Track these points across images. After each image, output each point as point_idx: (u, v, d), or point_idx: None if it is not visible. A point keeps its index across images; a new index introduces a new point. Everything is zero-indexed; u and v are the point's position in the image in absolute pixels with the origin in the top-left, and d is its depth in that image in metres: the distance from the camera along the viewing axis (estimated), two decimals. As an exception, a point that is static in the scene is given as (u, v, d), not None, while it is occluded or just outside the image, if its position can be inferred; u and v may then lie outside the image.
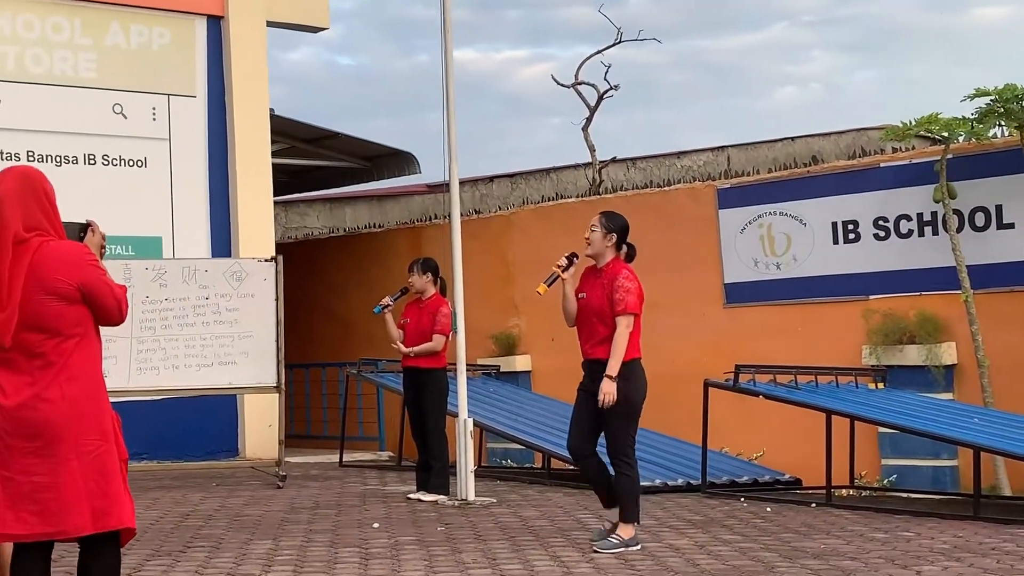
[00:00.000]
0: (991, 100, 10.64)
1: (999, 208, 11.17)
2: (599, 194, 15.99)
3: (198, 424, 13.11)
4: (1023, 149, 10.71)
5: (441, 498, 9.55)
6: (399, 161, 17.67)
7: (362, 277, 16.66)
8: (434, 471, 9.73)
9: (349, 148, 17.57)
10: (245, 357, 10.83)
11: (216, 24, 13.91)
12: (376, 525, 8.44)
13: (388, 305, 10.01)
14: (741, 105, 48.98)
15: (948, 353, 11.40)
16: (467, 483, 9.52)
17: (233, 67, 13.87)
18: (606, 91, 17.37)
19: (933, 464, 11.20)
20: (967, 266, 10.91)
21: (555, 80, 17.89)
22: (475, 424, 9.97)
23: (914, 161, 11.78)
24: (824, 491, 9.52)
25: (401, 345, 9.89)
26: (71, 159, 13.14)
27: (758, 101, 50.05)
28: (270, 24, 14.32)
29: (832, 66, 52.34)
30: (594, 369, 7.37)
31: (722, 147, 20.34)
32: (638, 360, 7.45)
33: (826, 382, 10.48)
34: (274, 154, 14.79)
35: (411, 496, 9.81)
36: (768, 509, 9.05)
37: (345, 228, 20.47)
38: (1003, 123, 10.90)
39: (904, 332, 11.54)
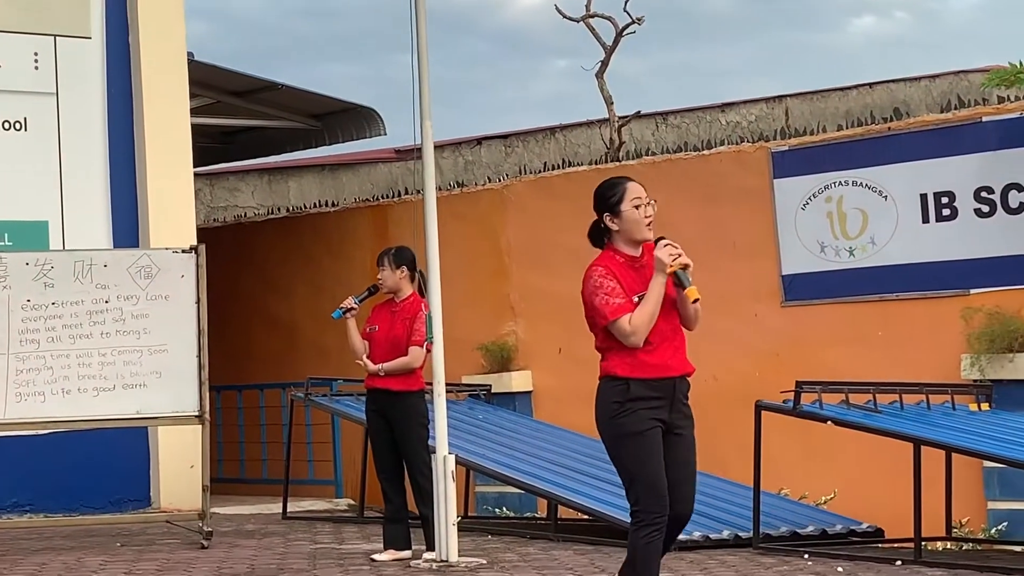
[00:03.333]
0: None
1: None
2: (619, 160, 15.98)
3: (98, 466, 13.09)
4: None
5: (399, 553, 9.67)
6: (358, 119, 17.66)
7: (311, 271, 16.67)
8: (430, 521, 9.73)
9: (293, 103, 17.56)
10: (157, 378, 10.82)
11: (117, -57, 13.91)
12: (329, 596, 8.45)
13: (351, 308, 9.95)
14: (804, 41, 49.07)
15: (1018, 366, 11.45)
16: (448, 539, 9.52)
17: (139, -1, 13.87)
18: (627, 25, 17.36)
19: (1056, 508, 11.25)
20: (1096, 250, 10.95)
21: (559, 12, 17.89)
22: (458, 462, 9.96)
23: (1023, 114, 11.82)
24: (912, 544, 9.54)
25: (368, 361, 9.86)
26: (-71, 121, 13.16)
27: (826, 36, 50.14)
28: (186, -58, 14.33)
29: (921, -10, 52.42)
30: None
31: (779, 97, 20.38)
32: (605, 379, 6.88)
33: (914, 402, 10.52)
34: (195, 111, 14.79)
35: (376, 558, 9.82)
36: (840, 569, 9.07)
37: (289, 207, 20.46)
38: None
39: (1016, 336, 11.55)
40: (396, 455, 9.97)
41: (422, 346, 9.77)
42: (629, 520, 6.75)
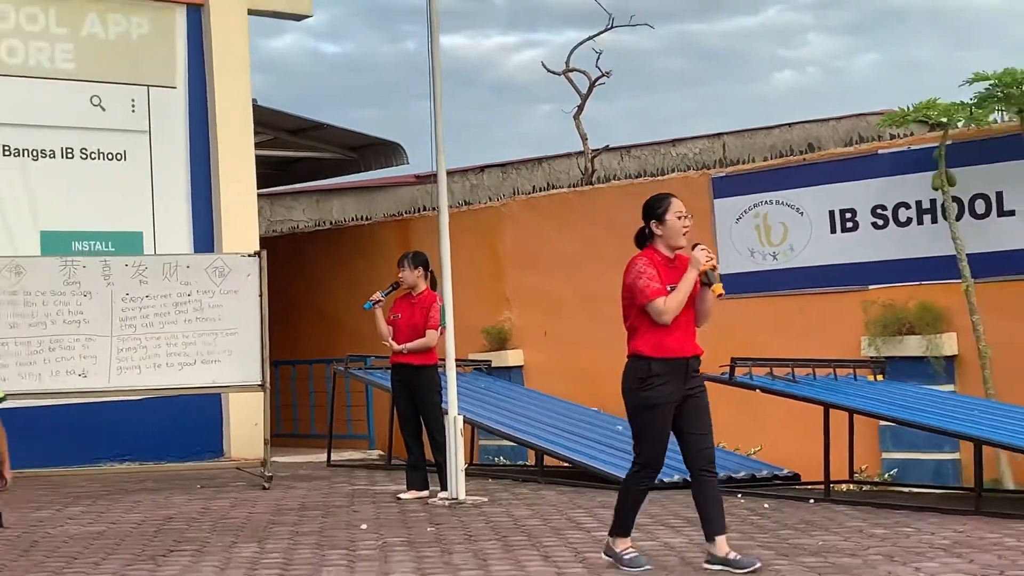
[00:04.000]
0: (990, 85, 10.65)
1: (999, 195, 11.19)
2: (592, 184, 15.98)
3: (181, 424, 13.11)
4: (1023, 135, 10.73)
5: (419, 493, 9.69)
6: (386, 151, 17.67)
7: (349, 271, 16.65)
8: (443, 467, 9.74)
9: (335, 139, 17.57)
10: (229, 355, 10.84)
11: (196, 13, 13.89)
12: (364, 526, 8.44)
13: (378, 301, 10.03)
14: (737, 91, 49.04)
15: (949, 344, 11.41)
16: (458, 482, 9.54)
17: (214, 57, 13.85)
18: (598, 78, 17.38)
19: (934, 458, 11.21)
20: (967, 254, 10.93)
21: (545, 67, 17.90)
22: (465, 421, 9.98)
23: (912, 148, 11.79)
24: (823, 486, 9.54)
25: (393, 342, 9.90)
26: (48, 153, 13.13)
27: (754, 87, 50.10)
28: (251, 12, 14.31)
29: (830, 50, 52.40)
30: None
31: (718, 134, 20.38)
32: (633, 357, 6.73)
33: (824, 375, 10.50)
34: (257, 145, 14.77)
35: (401, 496, 9.82)
36: (766, 505, 9.07)
37: (332, 221, 20.45)
38: (1003, 108, 10.92)
39: (904, 323, 11.56)
40: (416, 415, 9.98)
41: (437, 330, 9.79)
42: (628, 469, 6.88)
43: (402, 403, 10.06)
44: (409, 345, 9.84)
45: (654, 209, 6.67)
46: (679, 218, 6.61)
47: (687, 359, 6.61)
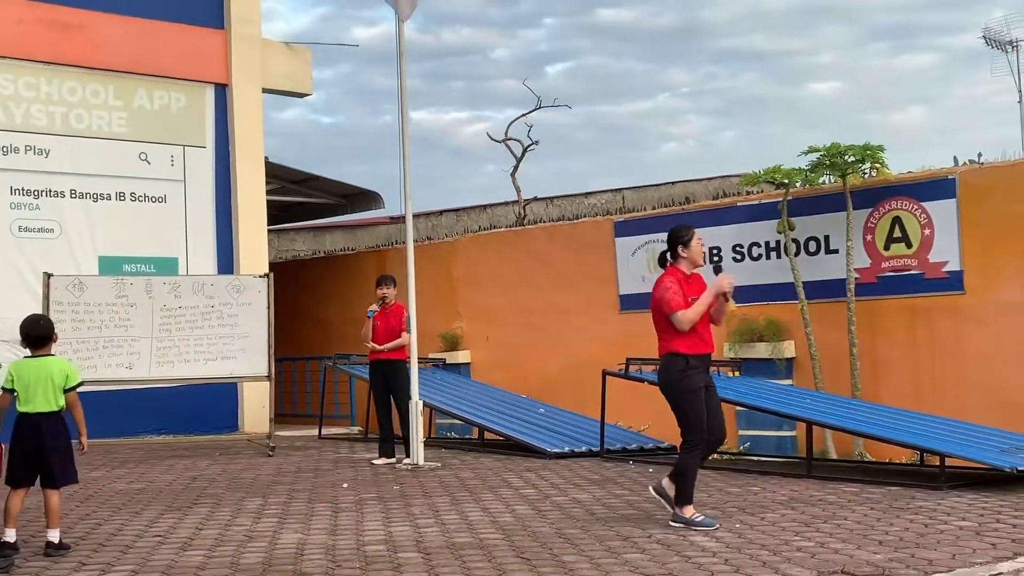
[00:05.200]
0: (821, 155, 10.81)
1: (827, 238, 11.34)
2: (523, 225, 16.03)
3: (205, 405, 12.96)
4: (845, 192, 10.90)
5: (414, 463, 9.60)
6: (367, 198, 17.61)
7: (338, 289, 16.60)
8: (408, 439, 9.69)
9: (328, 188, 17.50)
10: (243, 352, 10.77)
11: (222, 90, 13.80)
12: (345, 485, 8.40)
13: (377, 311, 9.95)
14: (634, 157, 49.45)
15: (788, 349, 11.54)
16: (418, 451, 9.51)
17: (236, 124, 13.76)
18: (529, 145, 17.50)
19: (777, 435, 11.31)
20: (803, 282, 11.08)
21: (489, 136, 18.01)
22: (425, 404, 9.96)
23: (763, 201, 11.93)
24: (694, 456, 9.58)
25: (373, 344, 9.81)
26: (105, 196, 12.98)
27: (647, 154, 50.52)
28: (265, 91, 14.24)
29: (703, 127, 52.96)
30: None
31: (619, 189, 20.50)
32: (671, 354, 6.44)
33: (696, 371, 10.55)
34: (268, 192, 14.69)
35: (374, 462, 9.78)
36: (651, 470, 9.12)
37: (325, 251, 20.34)
38: (830, 173, 11.08)
39: (756, 332, 11.69)
40: (389, 400, 9.94)
41: (409, 332, 9.77)
42: (680, 445, 6.56)
43: (380, 391, 9.98)
44: (388, 344, 9.80)
45: (681, 236, 6.51)
46: (700, 244, 6.55)
47: (709, 354, 6.52)
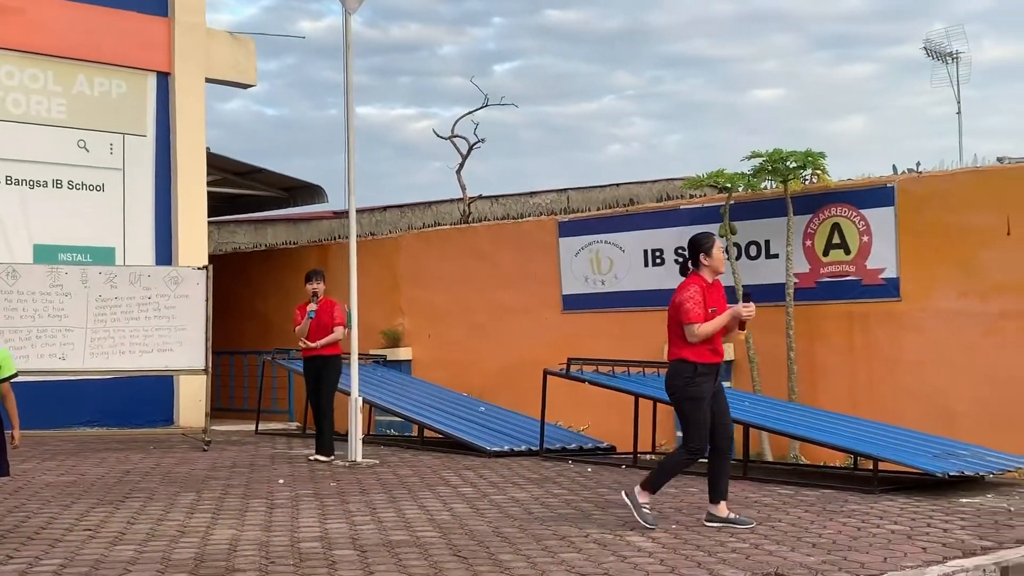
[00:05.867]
0: (763, 160, 10.92)
1: (767, 242, 11.47)
2: (468, 223, 16.00)
3: (140, 398, 12.76)
4: (786, 198, 11.02)
5: (329, 458, 9.49)
6: (311, 192, 17.46)
7: (279, 284, 16.43)
8: (325, 432, 9.57)
9: (271, 181, 17.31)
10: (180, 345, 10.59)
11: (164, 79, 13.58)
12: (281, 481, 8.30)
13: (315, 309, 9.73)
14: (579, 158, 49.61)
15: (728, 352, 11.61)
16: (356, 448, 9.43)
17: (177, 113, 13.55)
18: (475, 143, 17.49)
19: (715, 436, 11.40)
20: (743, 285, 11.17)
21: (436, 133, 17.97)
22: (365, 401, 9.88)
23: (706, 205, 12.03)
24: (632, 456, 9.65)
25: (307, 341, 9.58)
26: (42, 183, 12.72)
27: (592, 155, 50.72)
28: (208, 80, 14.04)
29: (648, 130, 53.32)
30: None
31: (564, 190, 20.55)
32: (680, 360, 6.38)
33: (637, 372, 10.61)
34: (209, 183, 14.48)
35: (311, 457, 9.68)
36: (589, 469, 9.12)
37: (266, 244, 20.12)
38: (771, 178, 11.20)
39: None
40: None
41: (343, 326, 9.63)
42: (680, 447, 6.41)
43: (312, 386, 9.76)
44: (321, 341, 9.65)
45: (702, 244, 6.42)
46: (721, 252, 6.48)
47: (719, 364, 6.43)
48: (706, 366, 6.31)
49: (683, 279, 6.47)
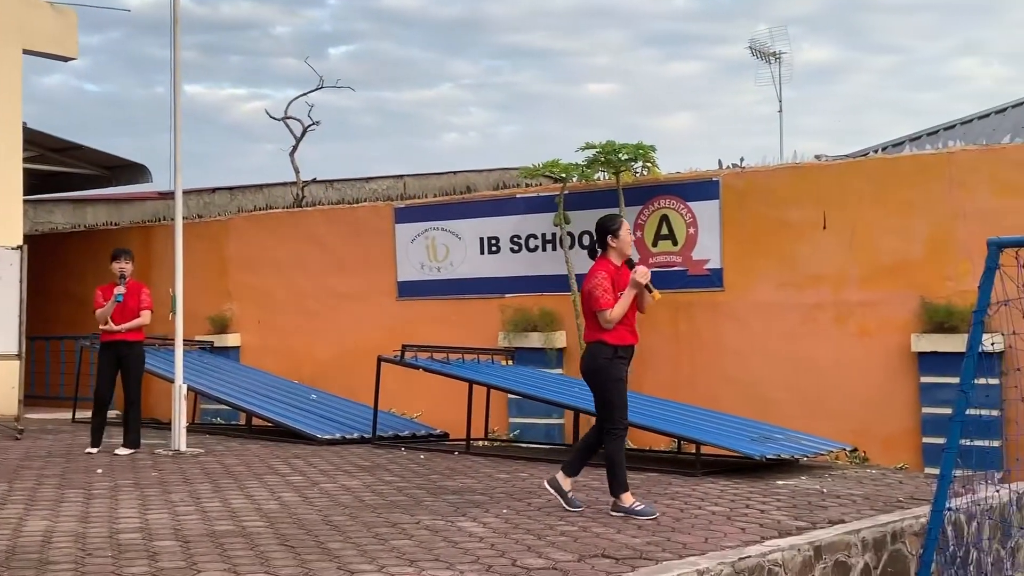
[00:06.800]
0: (596, 152, 11.11)
1: (601, 232, 11.69)
2: (301, 207, 15.70)
3: (-55, 386, 12.00)
4: (618, 189, 11.26)
5: (133, 451, 9.08)
6: (134, 171, 16.75)
7: (99, 266, 15.56)
8: (135, 420, 9.21)
9: (92, 158, 16.53)
10: (-10, 329, 10.02)
11: (-25, 47, 12.79)
12: (100, 471, 7.98)
13: (124, 292, 9.29)
14: (416, 144, 49.44)
15: (560, 339, 11.81)
16: (180, 437, 9.16)
17: (-11, 84, 12.80)
18: (309, 126, 17.14)
19: (546, 422, 11.54)
20: (576, 274, 11.36)
21: (269, 114, 17.51)
22: (190, 389, 9.60)
23: (541, 194, 12.16)
24: (465, 442, 9.71)
25: (114, 325, 9.05)
26: None
27: (429, 142, 50.63)
28: (26, 52, 13.31)
29: (486, 120, 53.59)
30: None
31: (400, 176, 20.43)
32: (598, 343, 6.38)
33: (471, 359, 10.70)
34: (25, 160, 13.73)
35: (117, 451, 9.12)
36: (422, 456, 9.14)
37: (86, 225, 19.22)
38: (604, 170, 11.41)
39: (529, 322, 11.90)
40: (115, 383, 9.24)
41: (150, 310, 9.21)
42: (603, 434, 6.37)
43: (111, 373, 9.17)
44: (127, 324, 9.08)
45: (609, 226, 6.42)
46: (629, 234, 6.46)
47: (634, 346, 6.46)
48: (624, 348, 6.39)
49: (592, 263, 6.52)
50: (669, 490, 7.27)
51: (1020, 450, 8.20)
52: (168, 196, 18.28)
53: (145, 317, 9.14)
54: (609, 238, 6.43)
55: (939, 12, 50.42)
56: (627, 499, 6.32)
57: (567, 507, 6.46)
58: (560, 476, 6.57)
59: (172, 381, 9.33)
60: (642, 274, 6.35)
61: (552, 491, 6.56)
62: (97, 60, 49.65)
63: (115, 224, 18.06)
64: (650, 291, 6.39)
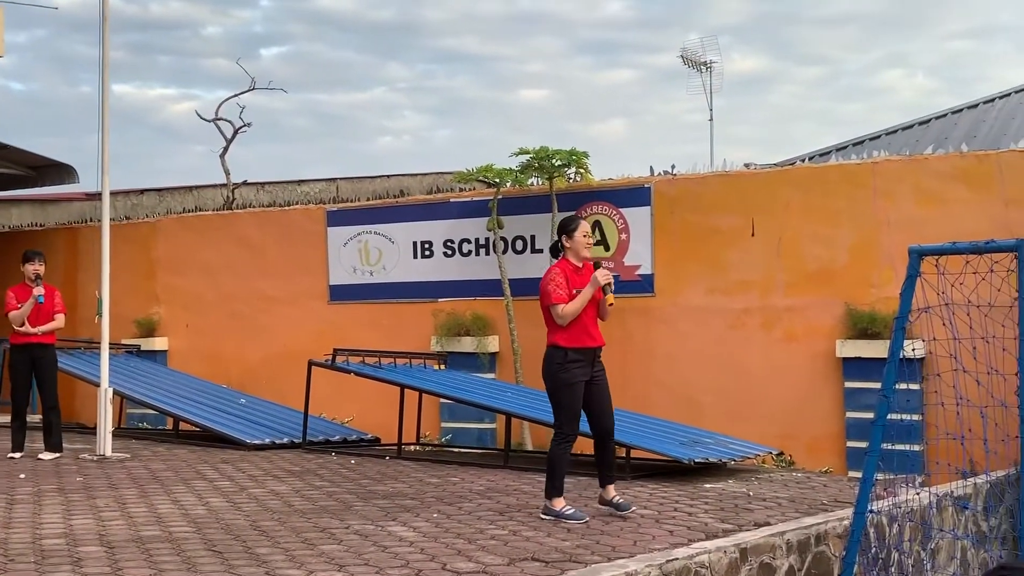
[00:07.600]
0: (530, 157, 11.18)
1: (533, 237, 11.75)
2: (231, 209, 15.54)
3: None
4: (552, 195, 11.34)
5: (57, 455, 8.93)
6: (60, 171, 16.37)
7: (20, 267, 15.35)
8: (56, 425, 9.06)
9: (16, 158, 16.12)
10: (-94, 332, 9.74)
11: None
12: (23, 476, 7.82)
13: (43, 292, 9.15)
14: (349, 147, 49.13)
15: (493, 343, 11.83)
16: (106, 442, 9.01)
17: (-92, 79, 12.45)
18: (240, 127, 16.96)
19: (478, 426, 11.58)
20: (509, 279, 11.42)
21: (199, 115, 17.28)
22: (115, 392, 9.44)
23: (475, 199, 12.19)
24: (396, 447, 9.69)
25: (30, 327, 8.94)
26: None
27: (363, 145, 50.32)
28: (-54, 46, 12.98)
29: (420, 124, 53.43)
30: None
31: (333, 179, 20.28)
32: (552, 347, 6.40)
33: (403, 363, 10.67)
34: (-56, 158, 13.39)
35: (40, 456, 9.01)
36: (352, 461, 9.10)
37: (10, 226, 18.77)
38: (538, 175, 11.48)
39: (462, 327, 11.91)
40: (32, 387, 9.16)
41: (64, 313, 9.12)
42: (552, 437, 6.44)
43: (26, 376, 9.09)
44: (43, 327, 8.99)
45: (566, 227, 6.40)
46: (584, 236, 6.39)
47: (594, 348, 6.38)
48: (578, 351, 6.33)
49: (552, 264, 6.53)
50: (599, 493, 7.33)
51: (940, 454, 8.42)
52: (95, 197, 17.89)
53: (60, 320, 9.07)
54: (563, 238, 6.47)
55: (865, 25, 51.54)
56: (558, 503, 6.37)
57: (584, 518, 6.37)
58: (609, 489, 6.50)
59: (98, 385, 9.18)
60: (603, 274, 6.39)
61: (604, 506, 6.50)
62: (22, 58, 48.53)
63: (40, 225, 17.68)
64: (605, 293, 6.41)
